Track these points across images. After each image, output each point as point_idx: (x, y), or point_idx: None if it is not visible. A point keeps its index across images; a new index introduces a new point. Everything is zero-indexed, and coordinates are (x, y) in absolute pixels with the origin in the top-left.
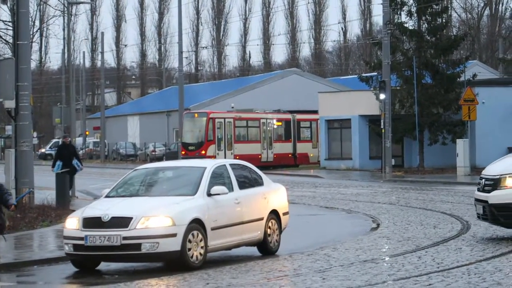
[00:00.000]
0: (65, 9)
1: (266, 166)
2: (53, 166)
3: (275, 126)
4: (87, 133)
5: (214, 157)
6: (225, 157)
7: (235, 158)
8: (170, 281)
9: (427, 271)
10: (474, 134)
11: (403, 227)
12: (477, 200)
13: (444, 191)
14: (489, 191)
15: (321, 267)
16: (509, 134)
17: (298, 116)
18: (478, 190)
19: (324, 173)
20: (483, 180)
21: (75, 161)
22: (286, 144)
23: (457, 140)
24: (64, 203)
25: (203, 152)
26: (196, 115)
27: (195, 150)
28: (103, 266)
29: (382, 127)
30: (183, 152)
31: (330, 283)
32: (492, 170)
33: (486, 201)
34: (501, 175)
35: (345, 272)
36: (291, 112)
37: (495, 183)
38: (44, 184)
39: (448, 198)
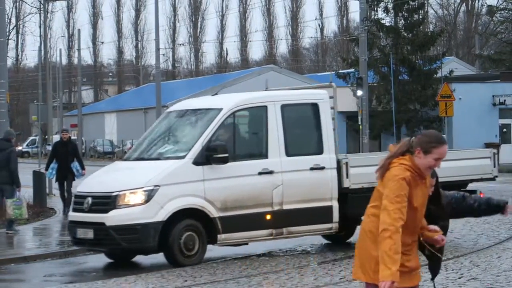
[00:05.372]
0: (41, 6)
1: None
2: (46, 168)
3: None
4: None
5: None
6: None
7: None
8: (148, 278)
9: None
10: (451, 130)
11: None
12: (79, 223)
13: None
14: (105, 211)
15: (299, 264)
16: (485, 129)
17: None
18: (78, 211)
19: None
20: (89, 198)
21: (74, 164)
22: None
23: None
24: (41, 201)
25: None
26: None
27: None
28: (80, 261)
29: (359, 123)
30: None
31: (308, 280)
32: (101, 186)
33: (101, 223)
34: (120, 191)
35: (323, 269)
36: None
37: (113, 201)
38: (21, 182)
39: None
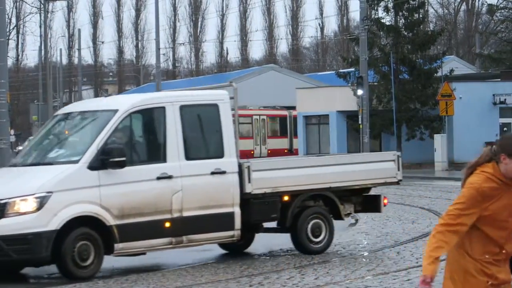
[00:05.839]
0: (42, 6)
1: None
2: None
3: (269, 122)
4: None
5: None
6: None
7: None
8: (149, 277)
9: (406, 266)
10: (451, 129)
11: (382, 223)
12: None
13: (422, 186)
14: None
15: (300, 263)
16: (486, 128)
17: (295, 112)
18: None
19: None
20: None
21: None
22: (282, 139)
23: (434, 135)
24: None
25: None
26: None
27: None
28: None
29: (360, 122)
30: None
31: (309, 279)
32: None
33: None
34: (9, 198)
35: (324, 268)
36: (287, 108)
37: (1, 209)
38: None
39: (426, 193)
